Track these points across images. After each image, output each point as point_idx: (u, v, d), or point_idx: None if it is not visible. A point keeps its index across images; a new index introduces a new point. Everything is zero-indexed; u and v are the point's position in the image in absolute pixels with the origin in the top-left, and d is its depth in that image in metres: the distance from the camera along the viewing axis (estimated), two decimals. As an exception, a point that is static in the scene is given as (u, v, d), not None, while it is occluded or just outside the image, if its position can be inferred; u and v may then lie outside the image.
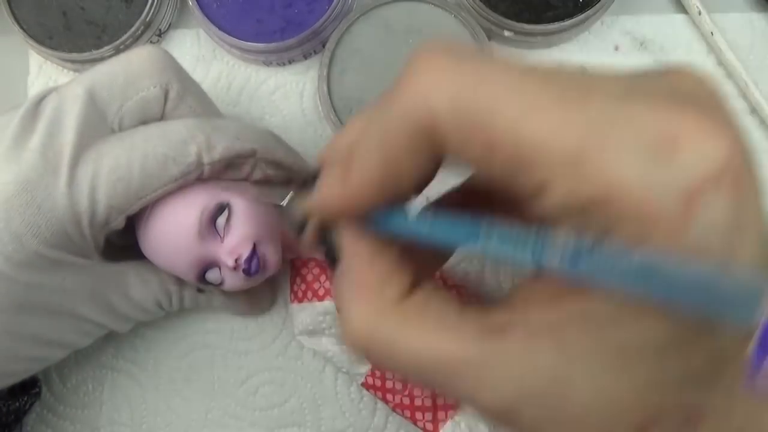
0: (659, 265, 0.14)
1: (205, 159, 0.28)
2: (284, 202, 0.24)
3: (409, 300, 0.19)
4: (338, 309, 0.20)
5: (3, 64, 0.38)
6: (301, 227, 0.22)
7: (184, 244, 0.28)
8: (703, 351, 0.16)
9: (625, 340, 0.16)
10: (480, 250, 0.17)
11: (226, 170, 0.29)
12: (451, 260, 0.35)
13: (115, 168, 0.27)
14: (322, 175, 0.19)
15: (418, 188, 0.20)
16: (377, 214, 0.19)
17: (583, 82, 0.16)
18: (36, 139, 0.26)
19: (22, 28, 0.36)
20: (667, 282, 0.14)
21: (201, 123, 0.29)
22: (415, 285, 0.20)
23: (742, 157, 0.15)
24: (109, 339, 0.35)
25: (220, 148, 0.28)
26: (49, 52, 0.36)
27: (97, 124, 0.28)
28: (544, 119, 0.15)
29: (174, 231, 0.28)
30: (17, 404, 0.31)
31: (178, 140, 0.28)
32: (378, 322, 0.19)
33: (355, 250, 0.20)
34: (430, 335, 0.18)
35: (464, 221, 0.18)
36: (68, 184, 0.26)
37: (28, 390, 0.32)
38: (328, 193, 0.19)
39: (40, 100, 0.28)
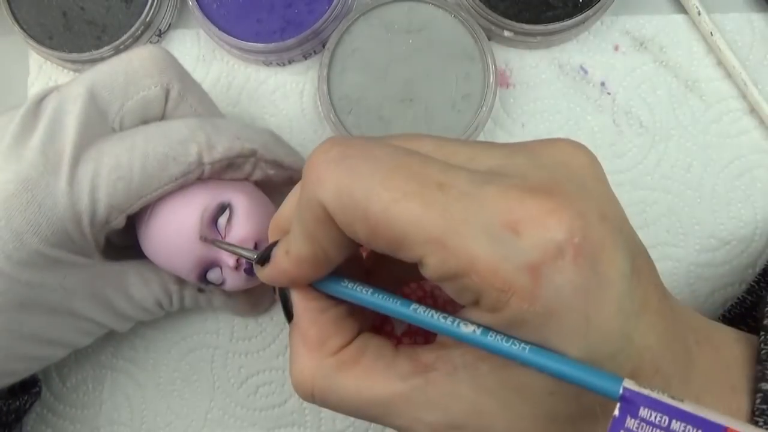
0: (545, 352, 0.18)
1: (206, 159, 0.28)
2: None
3: (345, 350, 0.22)
4: (289, 359, 0.24)
5: (3, 64, 0.38)
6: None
7: (185, 245, 0.28)
8: (584, 398, 0.19)
9: (523, 379, 0.20)
10: (408, 318, 0.21)
11: (227, 170, 0.29)
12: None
13: (116, 167, 0.27)
14: (274, 250, 0.23)
15: (356, 256, 0.23)
16: (321, 282, 0.23)
17: (445, 173, 0.19)
18: (37, 138, 0.26)
19: (22, 28, 0.36)
20: (550, 363, 0.18)
21: (202, 123, 0.29)
22: (359, 333, 0.23)
23: (583, 232, 0.18)
24: (109, 339, 0.35)
25: (221, 147, 0.28)
26: (49, 52, 0.36)
27: (98, 124, 0.28)
28: (408, 208, 0.19)
29: (175, 231, 0.28)
30: (17, 403, 0.31)
31: (178, 140, 0.28)
32: (318, 372, 0.22)
33: (304, 308, 0.23)
34: (362, 380, 0.22)
35: (396, 296, 0.21)
36: (69, 183, 0.26)
37: (28, 389, 0.32)
38: (277, 269, 0.23)
39: (41, 99, 0.28)
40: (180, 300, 0.32)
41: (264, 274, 0.23)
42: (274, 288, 0.25)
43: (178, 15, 0.38)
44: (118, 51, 0.36)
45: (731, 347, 0.24)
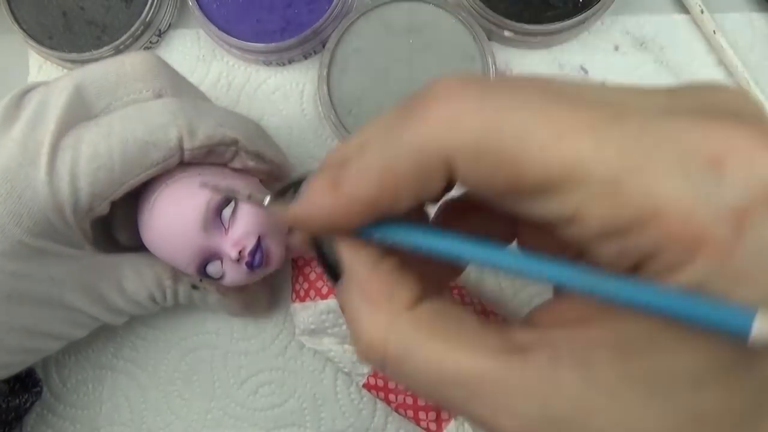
0: (697, 297, 0.14)
1: (186, 144, 0.28)
2: (265, 202, 0.23)
3: (422, 307, 0.18)
4: (348, 324, 0.19)
5: (3, 64, 0.38)
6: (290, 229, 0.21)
7: (187, 235, 0.28)
8: (748, 385, 0.15)
9: (657, 368, 0.15)
10: (502, 267, 0.17)
11: (208, 156, 0.29)
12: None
13: (95, 156, 0.26)
14: (310, 182, 0.19)
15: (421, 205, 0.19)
16: (370, 226, 0.18)
17: (617, 100, 0.16)
18: (17, 130, 0.26)
19: (22, 28, 0.36)
20: (706, 312, 0.13)
21: (183, 105, 0.28)
22: (424, 296, 0.19)
23: None
24: (109, 339, 0.35)
25: (202, 135, 0.28)
26: (49, 52, 0.36)
27: (81, 118, 0.28)
28: (576, 141, 0.15)
29: (178, 221, 0.28)
30: (17, 401, 0.31)
31: (159, 124, 0.27)
32: (391, 330, 0.18)
33: (356, 260, 0.19)
34: (447, 346, 0.17)
35: (482, 238, 0.17)
36: (48, 173, 0.26)
37: (29, 388, 0.32)
38: (312, 204, 0.18)
39: (26, 92, 0.28)
40: (173, 295, 0.32)
41: (293, 210, 0.19)
42: (301, 238, 0.21)
43: (178, 15, 0.38)
44: (118, 51, 0.36)
45: None
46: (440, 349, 0.17)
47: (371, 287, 0.19)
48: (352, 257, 0.19)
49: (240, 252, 0.28)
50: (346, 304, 0.19)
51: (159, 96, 0.29)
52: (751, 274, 0.14)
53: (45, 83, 0.28)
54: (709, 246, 0.14)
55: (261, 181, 0.32)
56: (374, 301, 0.18)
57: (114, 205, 0.28)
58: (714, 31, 0.35)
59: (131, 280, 0.30)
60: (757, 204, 0.14)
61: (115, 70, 0.28)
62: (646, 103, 0.16)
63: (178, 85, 0.30)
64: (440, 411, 0.30)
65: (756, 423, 0.15)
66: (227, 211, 0.29)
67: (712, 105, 0.16)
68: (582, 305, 0.17)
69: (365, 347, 0.18)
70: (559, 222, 0.16)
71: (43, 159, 0.26)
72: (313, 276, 0.32)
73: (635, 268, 0.15)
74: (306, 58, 0.37)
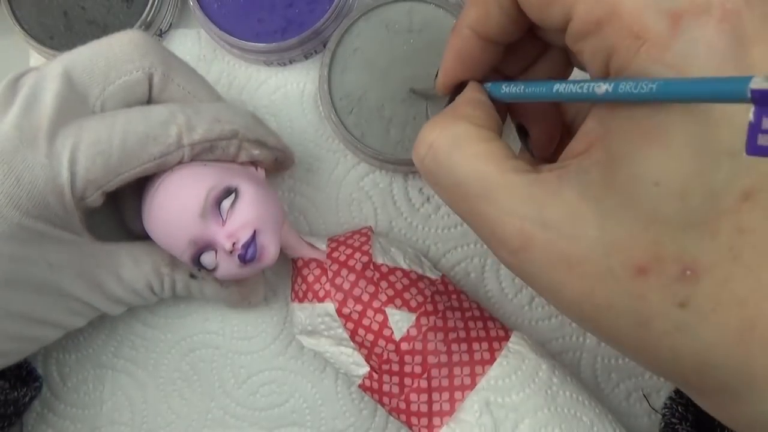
0: (671, 80, 0.17)
1: (185, 140, 0.28)
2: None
3: (480, 128, 0.23)
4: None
5: (3, 64, 0.38)
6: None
7: (185, 221, 0.28)
8: (700, 189, 0.18)
9: (634, 174, 0.18)
10: (556, 95, 0.21)
11: (210, 152, 0.29)
12: (452, 260, 0.35)
13: (96, 142, 0.27)
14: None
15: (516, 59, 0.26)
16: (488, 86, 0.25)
17: None
18: (12, 113, 0.26)
19: (22, 28, 0.36)
20: (676, 87, 0.17)
21: (183, 106, 0.29)
22: (493, 135, 0.23)
23: (739, 6, 0.18)
24: (110, 338, 0.35)
25: (201, 130, 0.28)
26: (50, 52, 0.36)
27: (77, 104, 0.28)
28: None
29: (178, 206, 0.29)
30: (15, 394, 0.31)
31: (159, 121, 0.28)
32: (446, 132, 0.23)
33: (469, 87, 0.25)
34: (479, 159, 0.22)
35: (539, 82, 0.22)
36: (47, 156, 0.26)
37: (28, 383, 0.32)
38: (447, 50, 0.25)
39: (19, 77, 0.28)
40: (171, 285, 0.32)
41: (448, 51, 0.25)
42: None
43: (178, 15, 0.38)
44: (118, 51, 0.36)
45: None
46: (475, 159, 0.22)
47: (460, 108, 0.24)
48: (466, 94, 0.25)
49: (234, 244, 0.28)
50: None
51: (149, 75, 0.29)
52: (682, 68, 0.17)
53: (36, 68, 0.28)
54: (650, 39, 0.18)
55: (267, 171, 0.32)
56: (452, 115, 0.23)
57: (125, 194, 0.28)
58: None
59: (129, 268, 0.30)
60: (692, 9, 0.18)
61: (104, 54, 0.29)
62: None
63: (168, 63, 0.30)
64: (432, 417, 0.30)
65: (707, 233, 0.18)
66: (226, 203, 0.29)
67: None
68: (587, 136, 0.20)
69: (418, 140, 0.23)
70: (559, 28, 0.21)
71: (42, 142, 0.26)
72: (311, 278, 0.31)
73: (603, 71, 0.19)
74: (307, 58, 0.37)
